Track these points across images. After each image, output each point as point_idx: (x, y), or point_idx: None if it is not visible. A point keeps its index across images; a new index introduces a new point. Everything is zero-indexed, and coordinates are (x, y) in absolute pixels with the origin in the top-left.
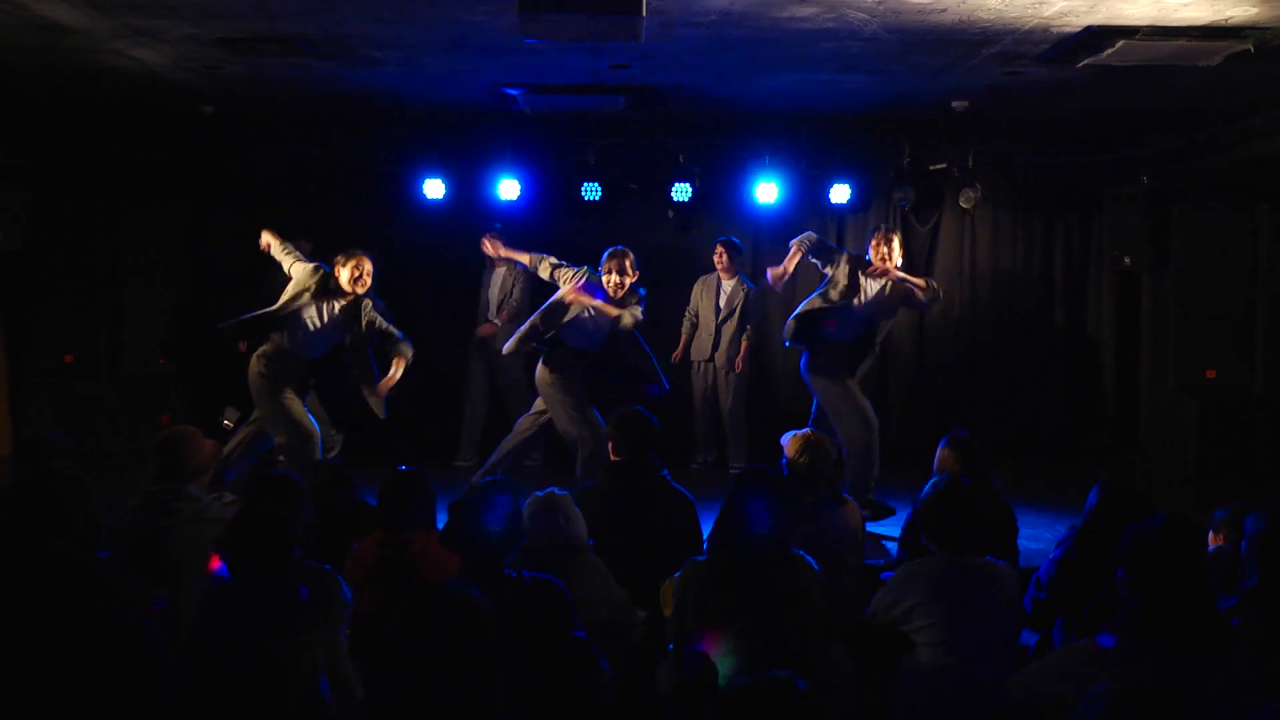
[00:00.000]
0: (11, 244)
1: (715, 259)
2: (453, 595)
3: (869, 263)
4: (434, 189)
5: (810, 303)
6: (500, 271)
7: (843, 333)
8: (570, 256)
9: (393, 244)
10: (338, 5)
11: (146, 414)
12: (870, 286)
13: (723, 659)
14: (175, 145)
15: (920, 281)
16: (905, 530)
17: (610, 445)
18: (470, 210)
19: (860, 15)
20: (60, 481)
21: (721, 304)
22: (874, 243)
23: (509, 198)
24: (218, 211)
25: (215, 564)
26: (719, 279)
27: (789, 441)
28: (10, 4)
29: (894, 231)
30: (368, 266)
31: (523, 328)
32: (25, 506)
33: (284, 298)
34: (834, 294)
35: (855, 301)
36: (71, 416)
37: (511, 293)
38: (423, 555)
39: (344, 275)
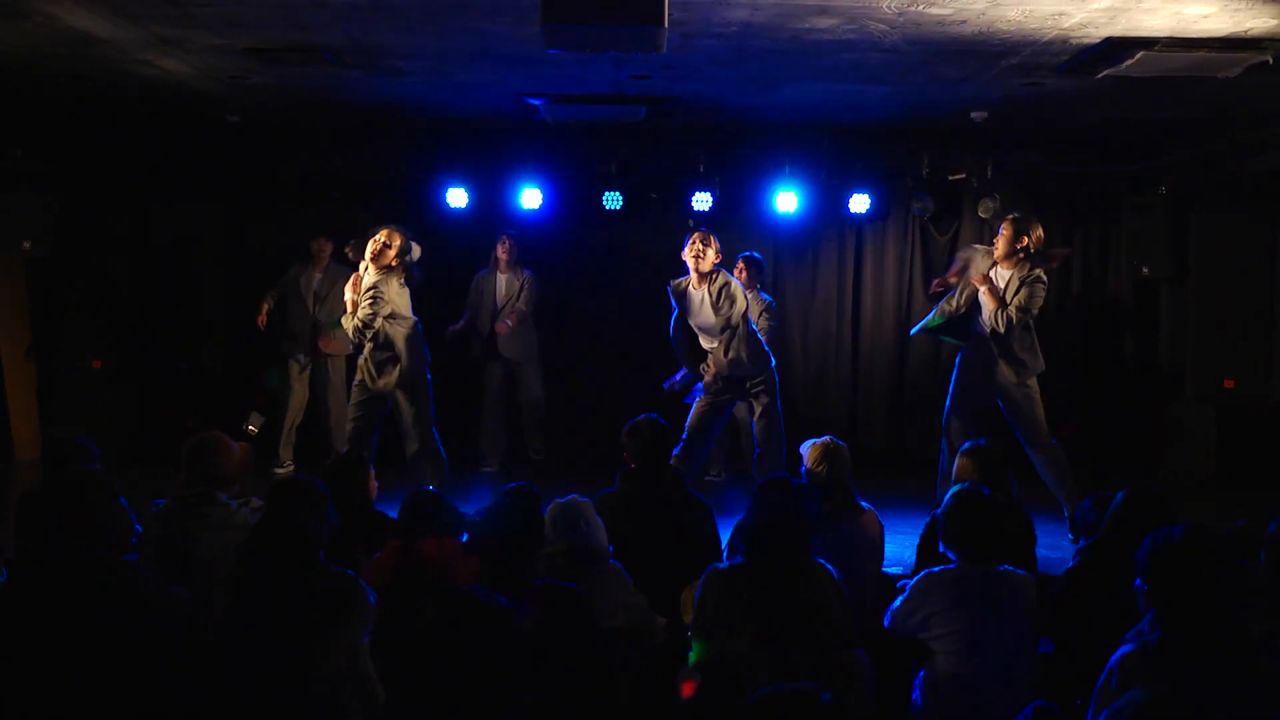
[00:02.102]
0: (40, 250)
1: (735, 273)
2: (477, 601)
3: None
4: (457, 198)
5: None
6: (505, 276)
7: None
8: (591, 265)
9: None
10: (364, 16)
11: (173, 418)
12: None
13: None
14: (201, 152)
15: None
16: (924, 539)
17: (625, 453)
18: (492, 219)
19: (880, 27)
20: (89, 485)
21: None
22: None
23: (531, 206)
24: (243, 218)
25: None
26: None
27: (808, 450)
28: (41, 15)
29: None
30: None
31: None
32: (54, 510)
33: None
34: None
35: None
36: (99, 420)
37: (519, 296)
38: (438, 560)
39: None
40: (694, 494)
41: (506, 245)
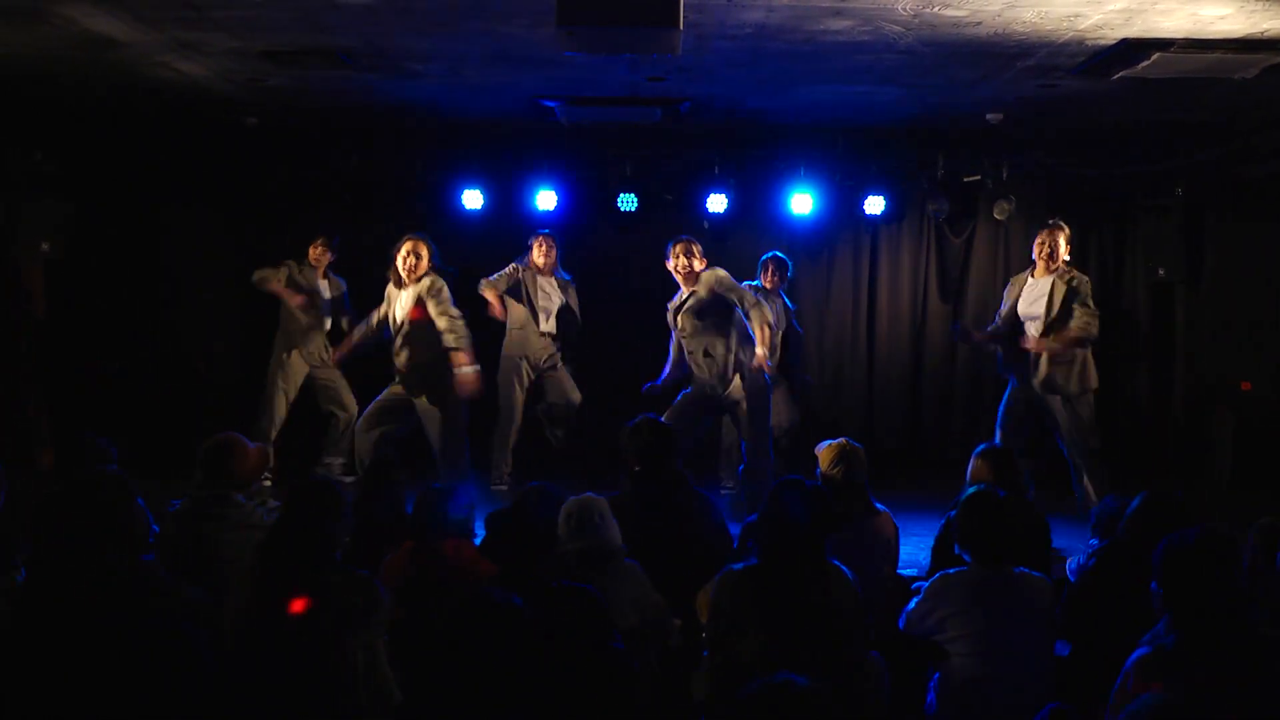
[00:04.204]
0: (56, 253)
1: (762, 275)
2: (493, 602)
3: None
4: (472, 200)
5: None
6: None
7: None
8: (606, 266)
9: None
10: (381, 18)
11: (189, 420)
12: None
13: None
14: (218, 155)
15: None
16: (938, 540)
17: (626, 455)
18: (508, 221)
19: (895, 28)
20: (107, 486)
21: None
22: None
23: (546, 208)
24: (259, 221)
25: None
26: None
27: (823, 451)
28: (60, 18)
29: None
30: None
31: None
32: (72, 511)
33: None
34: None
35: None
36: (115, 422)
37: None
38: (455, 562)
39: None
40: (699, 491)
41: (544, 246)
